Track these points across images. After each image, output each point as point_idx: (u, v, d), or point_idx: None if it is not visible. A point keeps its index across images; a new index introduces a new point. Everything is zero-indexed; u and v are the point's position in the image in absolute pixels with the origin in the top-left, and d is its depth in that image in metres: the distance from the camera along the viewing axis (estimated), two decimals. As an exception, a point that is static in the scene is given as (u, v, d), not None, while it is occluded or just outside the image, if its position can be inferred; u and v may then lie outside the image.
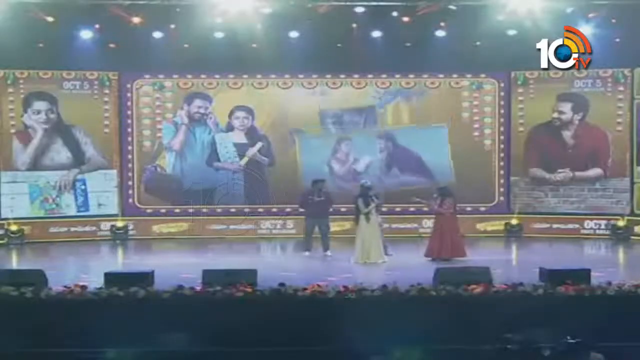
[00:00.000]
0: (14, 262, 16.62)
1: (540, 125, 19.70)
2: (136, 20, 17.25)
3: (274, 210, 19.67)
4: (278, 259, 16.65)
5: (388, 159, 19.82)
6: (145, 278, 11.67)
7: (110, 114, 19.43)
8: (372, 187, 16.18)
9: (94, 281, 12.09)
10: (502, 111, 19.85)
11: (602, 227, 19.03)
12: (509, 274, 13.30)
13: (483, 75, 19.84)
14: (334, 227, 17.42)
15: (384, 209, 16.72)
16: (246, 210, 19.67)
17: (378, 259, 15.35)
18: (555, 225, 19.44)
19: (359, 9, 17.35)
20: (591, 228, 19.11)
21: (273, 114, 19.81)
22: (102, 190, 19.39)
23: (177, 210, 19.61)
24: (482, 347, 8.53)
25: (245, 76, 19.66)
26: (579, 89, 19.37)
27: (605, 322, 10.53)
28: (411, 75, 19.76)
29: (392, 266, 14.83)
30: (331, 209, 16.87)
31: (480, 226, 19.62)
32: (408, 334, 9.68)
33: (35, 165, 18.91)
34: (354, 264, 15.26)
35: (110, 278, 11.66)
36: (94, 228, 19.21)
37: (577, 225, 19.25)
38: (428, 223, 18.50)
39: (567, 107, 19.48)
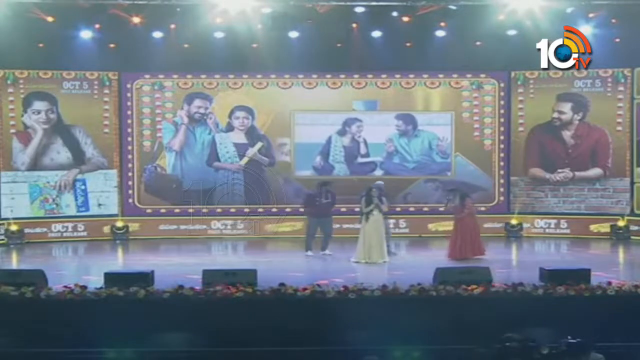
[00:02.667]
0: (14, 262, 16.62)
1: (540, 125, 19.69)
2: (136, 20, 17.26)
3: (274, 210, 19.67)
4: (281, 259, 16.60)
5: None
6: (145, 278, 11.69)
7: (110, 114, 19.42)
8: (383, 189, 16.23)
9: (94, 281, 12.10)
10: (502, 111, 19.84)
11: (602, 227, 19.01)
12: (509, 274, 13.31)
13: (483, 75, 19.83)
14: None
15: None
16: (246, 210, 19.66)
17: (379, 258, 15.34)
18: (555, 225, 19.43)
19: (359, 9, 17.37)
20: (591, 228, 19.09)
21: (273, 114, 19.81)
22: (102, 190, 19.39)
23: (177, 210, 19.60)
24: (482, 347, 8.51)
25: (245, 76, 19.65)
26: (579, 89, 19.37)
27: (605, 322, 10.54)
28: (411, 75, 19.75)
29: (392, 266, 14.83)
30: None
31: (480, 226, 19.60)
32: (408, 334, 9.70)
33: (35, 165, 18.90)
34: (354, 263, 15.26)
35: (110, 278, 11.68)
36: (93, 228, 19.19)
37: (577, 225, 19.24)
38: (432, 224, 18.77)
39: (567, 107, 19.48)
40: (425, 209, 19.69)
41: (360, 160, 19.76)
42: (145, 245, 18.58)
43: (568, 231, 19.23)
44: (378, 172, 19.64)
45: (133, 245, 18.71)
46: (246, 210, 19.64)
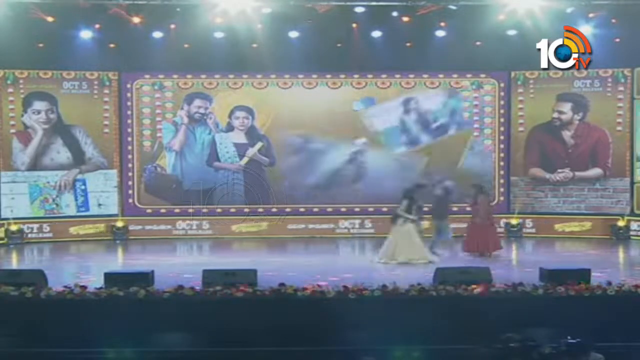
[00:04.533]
0: (14, 262, 16.62)
1: (540, 125, 19.70)
2: (136, 20, 17.27)
3: (274, 210, 19.68)
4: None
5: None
6: (145, 278, 11.69)
7: (110, 114, 19.43)
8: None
9: (94, 281, 12.10)
10: (502, 111, 19.85)
11: (602, 227, 19.02)
12: (509, 274, 13.30)
13: (483, 75, 19.83)
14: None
15: None
16: (246, 210, 19.67)
17: (424, 259, 15.02)
18: (554, 225, 19.43)
19: (359, 9, 17.38)
20: (589, 228, 19.09)
21: (273, 114, 19.81)
22: (102, 190, 19.39)
23: (177, 210, 19.60)
24: (482, 347, 8.52)
25: (245, 76, 19.66)
26: (579, 89, 19.37)
27: (605, 322, 10.53)
28: (411, 75, 19.76)
29: (392, 266, 14.82)
30: None
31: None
32: (408, 334, 9.70)
33: (35, 165, 18.90)
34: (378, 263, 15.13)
35: (110, 278, 11.67)
36: (93, 228, 19.19)
37: (576, 225, 19.24)
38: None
39: (567, 107, 19.48)
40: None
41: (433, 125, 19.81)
42: (145, 245, 18.58)
43: (567, 231, 19.23)
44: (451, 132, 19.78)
45: (133, 245, 18.71)
46: (246, 210, 19.65)
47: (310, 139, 19.69)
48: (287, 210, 19.59)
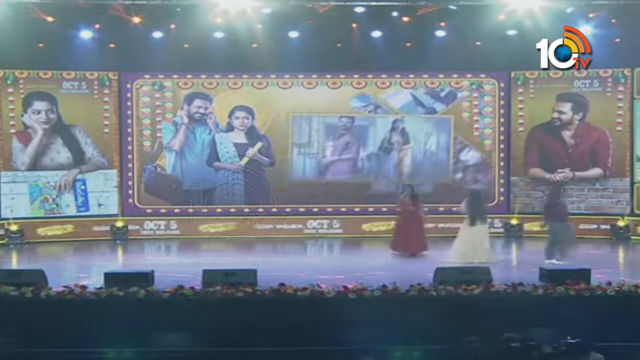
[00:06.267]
0: (14, 262, 16.62)
1: (540, 125, 19.70)
2: (136, 20, 17.25)
3: (274, 210, 19.69)
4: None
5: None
6: (145, 278, 11.69)
7: (110, 114, 19.43)
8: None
9: (94, 281, 12.10)
10: (502, 111, 19.85)
11: (602, 227, 19.02)
12: (509, 274, 13.30)
13: (483, 75, 19.83)
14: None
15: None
16: (246, 210, 19.66)
17: (488, 258, 15.01)
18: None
19: (359, 9, 17.36)
20: (591, 228, 19.08)
21: (273, 114, 19.80)
22: (102, 190, 19.39)
23: (177, 210, 19.60)
24: (482, 347, 8.51)
25: (245, 76, 19.66)
26: (578, 89, 19.37)
27: (605, 322, 10.53)
28: (411, 75, 19.76)
29: (392, 266, 14.81)
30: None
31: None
32: (408, 334, 9.69)
33: (35, 165, 18.90)
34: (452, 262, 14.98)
35: (110, 278, 11.68)
36: (93, 228, 19.19)
37: (577, 225, 19.21)
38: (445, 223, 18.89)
39: (567, 107, 19.48)
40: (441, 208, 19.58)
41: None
42: (145, 245, 18.58)
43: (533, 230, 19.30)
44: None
45: (133, 245, 18.71)
46: (246, 210, 19.66)
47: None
48: (287, 210, 19.62)
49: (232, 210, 19.66)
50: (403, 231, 16.44)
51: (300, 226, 19.70)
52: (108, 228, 19.24)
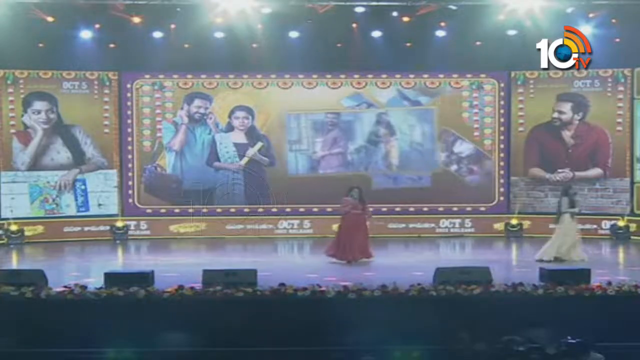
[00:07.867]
0: (14, 262, 16.62)
1: (540, 125, 19.69)
2: (136, 20, 17.27)
3: (274, 210, 19.68)
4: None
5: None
6: (145, 278, 11.69)
7: (110, 114, 19.43)
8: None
9: (94, 281, 12.10)
10: (502, 111, 19.84)
11: (602, 227, 19.02)
12: (509, 274, 13.30)
13: (483, 75, 19.83)
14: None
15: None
16: (246, 210, 19.66)
17: (578, 257, 15.11)
18: (554, 226, 19.36)
19: (359, 9, 17.38)
20: (591, 228, 19.07)
21: (273, 114, 19.81)
22: (102, 190, 19.39)
23: (177, 210, 19.60)
24: (483, 347, 8.53)
25: (245, 76, 19.65)
26: (579, 89, 19.37)
27: (605, 322, 10.53)
28: (411, 75, 19.76)
29: (392, 266, 14.81)
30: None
31: (480, 226, 19.60)
32: (408, 334, 9.69)
33: (35, 165, 18.90)
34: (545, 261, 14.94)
35: (110, 278, 11.67)
36: (93, 228, 19.19)
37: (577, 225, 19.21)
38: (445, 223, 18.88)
39: (567, 107, 19.48)
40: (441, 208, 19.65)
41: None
42: (145, 245, 18.59)
43: (473, 230, 19.39)
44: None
45: (133, 245, 18.71)
46: (246, 210, 19.66)
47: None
48: (287, 210, 19.62)
49: (232, 210, 19.64)
50: (345, 236, 15.25)
51: (271, 226, 19.58)
52: (108, 228, 19.25)
